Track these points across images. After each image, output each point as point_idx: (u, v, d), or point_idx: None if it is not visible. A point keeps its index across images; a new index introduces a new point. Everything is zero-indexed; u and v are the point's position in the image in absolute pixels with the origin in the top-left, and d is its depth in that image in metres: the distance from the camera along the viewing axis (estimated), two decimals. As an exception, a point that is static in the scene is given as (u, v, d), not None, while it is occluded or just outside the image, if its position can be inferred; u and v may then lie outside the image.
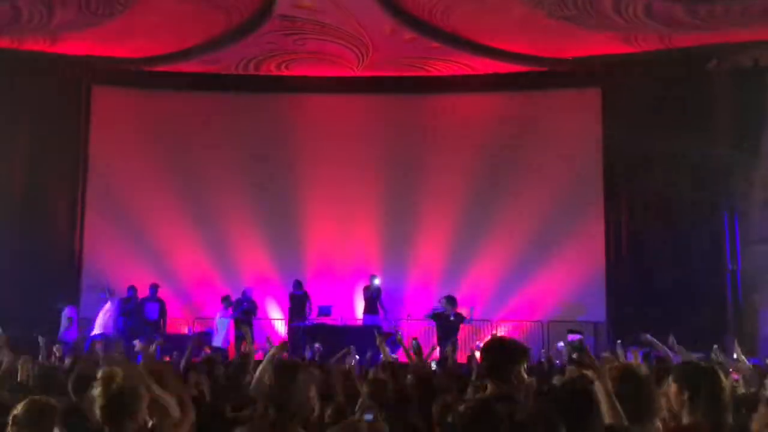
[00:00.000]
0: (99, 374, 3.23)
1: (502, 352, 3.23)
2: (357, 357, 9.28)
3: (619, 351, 8.27)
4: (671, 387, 3.11)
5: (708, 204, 12.38)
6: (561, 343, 10.13)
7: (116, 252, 13.09)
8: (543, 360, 9.31)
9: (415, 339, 11.77)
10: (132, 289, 12.23)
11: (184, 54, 12.80)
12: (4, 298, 11.40)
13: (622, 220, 13.19)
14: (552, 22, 11.16)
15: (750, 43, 11.71)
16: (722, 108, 12.27)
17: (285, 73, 13.84)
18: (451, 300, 11.39)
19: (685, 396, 3.05)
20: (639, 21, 10.94)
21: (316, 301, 12.89)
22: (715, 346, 6.85)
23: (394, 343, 12.03)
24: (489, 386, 3.05)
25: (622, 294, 12.76)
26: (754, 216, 12.13)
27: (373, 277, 12.87)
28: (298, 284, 12.71)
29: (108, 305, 11.86)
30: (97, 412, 2.91)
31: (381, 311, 12.71)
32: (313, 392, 2.85)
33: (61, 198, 13.32)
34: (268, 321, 13.48)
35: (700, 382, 3.06)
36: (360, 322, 13.01)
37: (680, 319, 11.11)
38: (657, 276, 12.28)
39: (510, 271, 13.08)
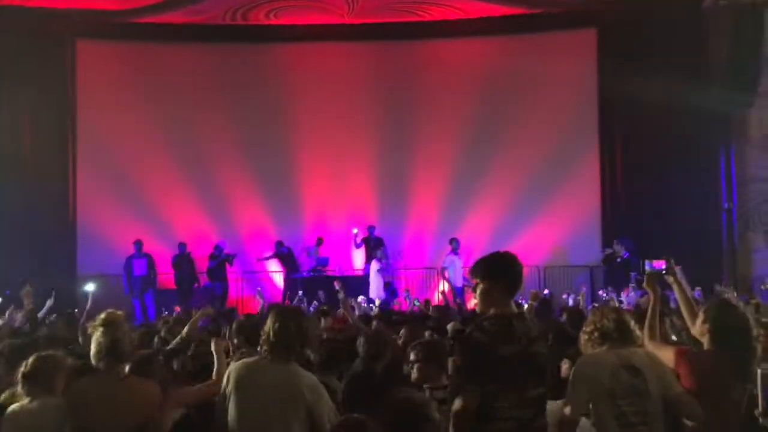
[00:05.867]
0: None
1: (513, 269, 3.07)
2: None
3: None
4: (699, 318, 3.53)
5: (704, 143, 12.34)
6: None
7: (110, 208, 12.97)
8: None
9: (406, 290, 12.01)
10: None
11: (170, 4, 12.50)
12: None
13: (617, 162, 13.17)
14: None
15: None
16: (719, 47, 12.10)
17: (274, 22, 13.54)
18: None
19: (706, 328, 3.45)
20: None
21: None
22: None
23: (394, 293, 12.23)
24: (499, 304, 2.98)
25: (618, 237, 12.80)
26: (750, 154, 12.11)
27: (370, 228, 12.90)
28: (279, 245, 12.87)
29: None
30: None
31: (383, 260, 12.75)
32: (313, 334, 3.31)
33: (52, 156, 13.11)
34: (266, 274, 13.53)
35: (722, 317, 3.45)
36: (360, 272, 13.13)
37: (675, 260, 11.19)
38: (652, 217, 12.30)
39: (506, 217, 13.07)
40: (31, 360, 3.45)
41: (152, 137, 13.25)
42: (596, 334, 3.36)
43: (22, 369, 3.42)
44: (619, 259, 11.75)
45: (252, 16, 13.35)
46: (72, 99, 13.33)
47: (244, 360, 3.29)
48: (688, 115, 11.94)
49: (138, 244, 12.36)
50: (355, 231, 12.97)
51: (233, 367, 3.25)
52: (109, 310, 3.42)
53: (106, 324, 3.30)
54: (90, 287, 9.15)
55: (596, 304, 8.03)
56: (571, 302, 9.28)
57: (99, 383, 3.26)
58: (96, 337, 3.29)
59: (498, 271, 3.03)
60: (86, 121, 13.41)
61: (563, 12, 13.00)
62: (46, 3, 12.17)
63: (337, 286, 6.87)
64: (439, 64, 13.71)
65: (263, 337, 3.20)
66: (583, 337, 3.44)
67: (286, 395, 3.08)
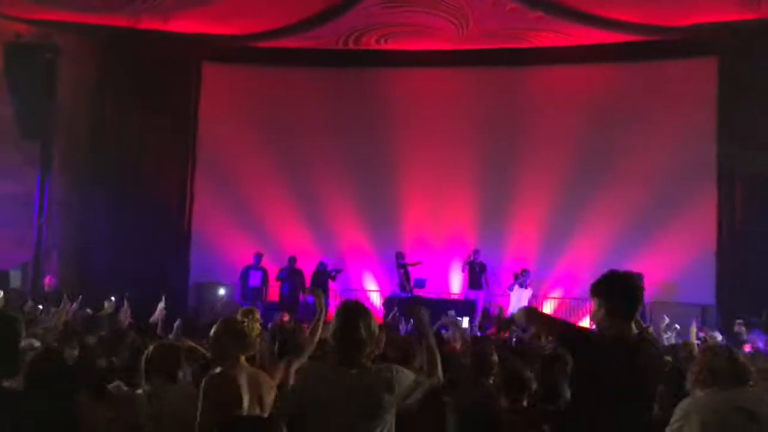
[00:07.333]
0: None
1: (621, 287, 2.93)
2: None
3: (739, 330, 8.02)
4: None
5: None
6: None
7: (223, 223, 13.71)
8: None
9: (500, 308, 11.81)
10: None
11: (289, 30, 13.10)
12: (118, 268, 12.18)
13: (736, 198, 12.39)
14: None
15: None
16: None
17: (384, 47, 13.87)
18: None
19: None
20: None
21: (411, 274, 13.04)
22: None
23: (489, 318, 12.08)
24: (610, 326, 2.84)
25: (734, 276, 12.05)
26: None
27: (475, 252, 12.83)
28: (399, 256, 12.92)
29: None
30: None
31: (485, 286, 12.63)
32: (376, 330, 3.00)
33: (172, 172, 14.03)
34: (365, 293, 13.76)
35: None
36: (457, 296, 13.06)
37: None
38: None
39: (611, 249, 12.56)
40: (152, 348, 3.64)
41: (265, 157, 13.86)
42: (705, 373, 3.06)
43: (144, 357, 3.62)
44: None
45: (363, 41, 13.74)
46: (194, 118, 14.24)
47: (313, 365, 3.19)
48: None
49: (258, 256, 12.82)
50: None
51: (300, 370, 3.14)
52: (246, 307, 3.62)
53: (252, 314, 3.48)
54: (222, 291, 10.44)
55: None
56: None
57: (253, 372, 3.33)
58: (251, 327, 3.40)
59: (604, 290, 2.90)
60: (205, 139, 14.29)
61: (681, 39, 12.46)
62: (175, 28, 13.09)
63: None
64: (546, 91, 13.53)
65: (331, 341, 2.92)
66: (690, 378, 3.16)
67: (368, 405, 2.78)
